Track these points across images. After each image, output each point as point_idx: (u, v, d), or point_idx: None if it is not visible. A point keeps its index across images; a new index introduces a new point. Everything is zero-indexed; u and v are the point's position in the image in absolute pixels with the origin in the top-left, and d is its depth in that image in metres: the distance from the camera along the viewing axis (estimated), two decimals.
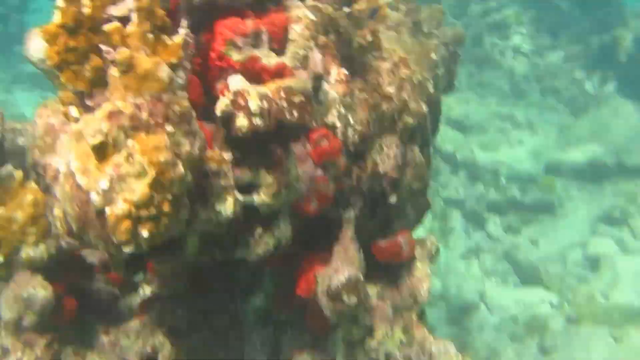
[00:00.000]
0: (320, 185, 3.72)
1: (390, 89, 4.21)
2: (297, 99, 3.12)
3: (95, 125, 2.74)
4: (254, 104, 3.05)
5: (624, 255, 11.57)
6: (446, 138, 13.86)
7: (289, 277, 4.15)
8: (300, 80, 3.18)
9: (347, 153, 3.95)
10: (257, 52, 3.53)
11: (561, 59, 17.82)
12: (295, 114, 3.14)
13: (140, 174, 2.80)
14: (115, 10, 3.14)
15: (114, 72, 2.92)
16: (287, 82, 3.15)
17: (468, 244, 12.33)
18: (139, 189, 2.78)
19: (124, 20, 3.14)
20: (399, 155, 4.15)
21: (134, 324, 4.50)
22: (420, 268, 4.44)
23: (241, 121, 3.09)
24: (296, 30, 3.67)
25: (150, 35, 2.97)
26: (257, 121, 3.09)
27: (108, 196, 2.75)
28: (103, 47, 3.06)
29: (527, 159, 14.13)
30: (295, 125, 3.16)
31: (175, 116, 2.90)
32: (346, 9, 4.31)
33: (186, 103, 2.93)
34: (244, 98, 3.06)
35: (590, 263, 11.40)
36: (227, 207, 3.31)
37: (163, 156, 2.83)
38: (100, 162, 2.79)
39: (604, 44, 16.62)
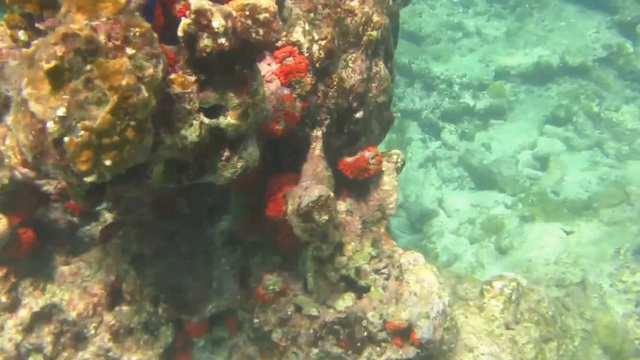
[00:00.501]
0: (287, 105, 3.51)
1: (353, 3, 3.94)
2: (262, 16, 2.87)
3: (48, 49, 2.46)
4: (217, 23, 2.78)
5: (570, 152, 11.62)
6: (401, 50, 13.55)
7: (257, 198, 3.98)
8: None
9: (313, 70, 3.71)
10: None
11: None
12: (261, 32, 2.89)
13: (101, 100, 2.56)
14: None
15: None
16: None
17: (426, 153, 12.23)
18: (100, 115, 2.55)
19: None
20: (364, 69, 3.93)
21: (96, 252, 4.31)
22: (388, 181, 4.30)
23: (205, 41, 2.84)
24: None
25: None
26: (222, 40, 2.84)
27: (66, 124, 2.52)
28: None
29: (477, 67, 13.94)
30: (262, 43, 2.90)
31: (136, 38, 2.64)
32: None
33: (146, 24, 2.66)
34: (207, 17, 2.79)
35: (540, 163, 11.42)
36: (193, 131, 3.10)
37: (125, 80, 2.59)
38: (55, 89, 2.52)
39: None
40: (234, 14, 2.88)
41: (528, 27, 14.95)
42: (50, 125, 2.50)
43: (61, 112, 2.50)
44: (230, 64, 3.03)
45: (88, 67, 2.53)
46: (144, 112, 2.67)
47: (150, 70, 2.68)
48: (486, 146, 12.03)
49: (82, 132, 2.52)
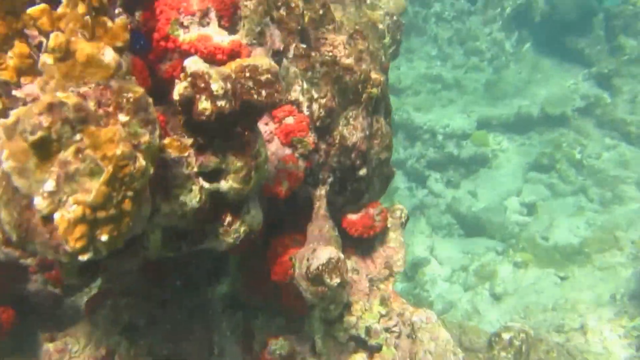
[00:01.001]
0: (290, 165, 3.21)
1: (349, 61, 3.68)
2: (263, 77, 2.59)
3: (32, 119, 2.15)
4: (216, 85, 2.50)
5: (555, 198, 11.42)
6: None
7: (258, 260, 3.63)
8: (263, 57, 2.62)
9: (314, 128, 3.42)
10: (206, 31, 2.98)
11: (480, 23, 17.51)
12: (264, 93, 2.60)
13: (94, 171, 2.23)
14: None
15: (47, 59, 2.32)
16: (250, 60, 2.60)
17: (413, 201, 11.97)
18: (94, 187, 2.22)
19: (52, 1, 2.55)
20: (365, 126, 3.65)
21: (83, 325, 3.88)
22: (394, 237, 3.98)
23: (203, 104, 2.54)
24: (249, 6, 3.10)
25: (87, 18, 2.37)
26: (221, 103, 2.55)
27: (56, 199, 2.18)
28: (28, 32, 2.47)
29: (459, 117, 13.82)
30: (264, 105, 2.61)
31: (129, 104, 2.33)
32: None
33: (139, 88, 2.36)
34: (204, 80, 2.50)
35: (527, 209, 11.20)
36: (192, 197, 2.79)
37: (120, 149, 2.27)
38: (42, 161, 2.20)
39: (519, 6, 16.43)
40: (233, 75, 2.59)
41: (506, 79, 14.91)
42: (39, 201, 2.17)
43: (50, 186, 2.17)
44: (231, 126, 2.73)
45: (78, 136, 2.22)
46: (141, 181, 2.35)
47: (147, 137, 2.38)
48: (472, 193, 11.82)
49: (74, 207, 2.18)
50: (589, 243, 9.67)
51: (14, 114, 2.28)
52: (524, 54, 15.80)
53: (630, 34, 14.79)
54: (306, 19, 3.74)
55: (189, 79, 2.54)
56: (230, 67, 2.65)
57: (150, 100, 2.42)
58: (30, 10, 2.37)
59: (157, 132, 2.45)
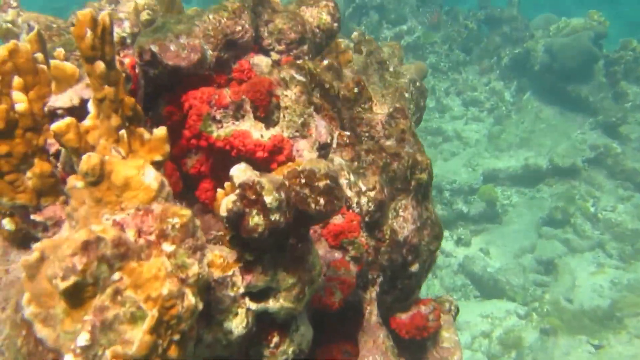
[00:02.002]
0: (341, 272, 2.84)
1: (391, 142, 3.36)
2: (321, 183, 2.24)
3: (64, 262, 1.78)
4: (270, 198, 2.15)
5: (572, 255, 11.06)
6: None
7: None
8: (320, 161, 2.28)
9: (363, 224, 3.07)
10: (242, 125, 2.66)
11: (477, 73, 17.44)
12: (322, 201, 2.26)
13: (136, 317, 1.86)
14: (60, 101, 2.21)
15: (76, 182, 1.97)
16: (305, 164, 2.26)
17: None
18: (137, 337, 1.84)
19: (74, 110, 2.22)
20: (416, 217, 3.31)
21: None
22: (447, 337, 3.60)
23: (255, 220, 2.19)
24: (290, 96, 2.79)
25: (123, 132, 2.04)
26: (275, 217, 2.20)
27: (90, 354, 1.80)
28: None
29: (464, 171, 13.54)
30: (323, 214, 2.26)
31: (175, 231, 1.97)
32: (325, 62, 3.47)
33: (186, 211, 2.01)
34: (256, 191, 2.15)
35: (544, 267, 10.81)
36: (239, 322, 2.42)
37: (166, 287, 1.90)
38: (73, 308, 1.83)
39: (517, 56, 16.39)
40: (287, 183, 2.25)
41: (509, 129, 14.70)
42: (70, 359, 1.79)
43: (84, 339, 1.79)
44: (283, 238, 2.37)
45: (116, 275, 1.86)
46: (190, 322, 1.98)
47: (195, 268, 2.01)
48: (484, 251, 11.44)
49: None
50: (620, 306, 9.27)
51: (36, 249, 1.92)
52: (524, 103, 15.67)
53: (631, 80, 14.76)
54: (341, 98, 3.44)
55: (237, 191, 2.19)
56: (282, 173, 2.31)
57: (198, 222, 2.07)
58: (54, 127, 2.03)
59: (206, 260, 2.10)
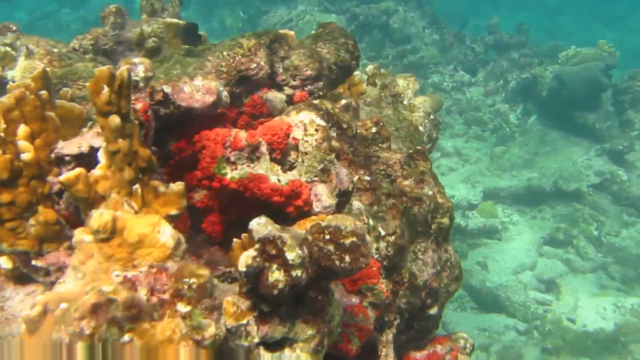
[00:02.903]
0: (359, 319, 2.66)
1: (408, 182, 3.18)
2: (347, 241, 2.06)
3: (72, 327, 1.61)
4: (292, 255, 1.98)
5: (574, 275, 10.79)
6: None
7: None
8: (346, 218, 2.10)
9: (382, 268, 2.89)
10: (257, 168, 2.49)
11: (481, 94, 17.21)
12: (347, 259, 2.08)
13: None
14: (68, 148, 2.06)
15: (85, 237, 1.80)
16: (331, 220, 2.08)
17: None
18: None
19: (82, 157, 2.06)
20: (436, 260, 3.13)
21: None
22: None
23: (275, 276, 2.02)
24: (310, 142, 2.62)
25: (137, 187, 1.87)
26: (297, 273, 2.03)
27: None
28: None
29: (463, 187, 13.26)
30: (347, 271, 2.08)
31: (192, 291, 1.80)
32: (343, 101, 3.31)
33: (204, 271, 1.84)
34: (277, 247, 1.98)
35: (545, 285, 10.53)
36: None
37: (180, 352, 1.74)
38: None
39: (524, 81, 16.16)
40: (310, 238, 2.07)
41: (512, 150, 14.46)
42: None
43: None
44: (303, 291, 2.20)
45: (127, 337, 1.69)
46: None
47: (212, 330, 1.85)
48: (482, 265, 11.14)
49: None
50: (624, 331, 9.02)
51: (39, 303, 1.75)
52: (530, 126, 15.42)
53: (639, 109, 14.56)
54: (358, 138, 3.27)
55: (257, 245, 2.01)
56: (305, 227, 2.13)
57: (216, 281, 1.90)
58: (63, 179, 1.88)
59: (223, 319, 1.93)
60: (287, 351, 2.33)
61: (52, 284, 2.16)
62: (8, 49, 3.40)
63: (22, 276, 2.20)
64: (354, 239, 2.08)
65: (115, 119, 1.89)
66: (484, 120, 16.14)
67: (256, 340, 2.24)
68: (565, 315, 9.67)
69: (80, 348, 1.59)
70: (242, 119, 3.29)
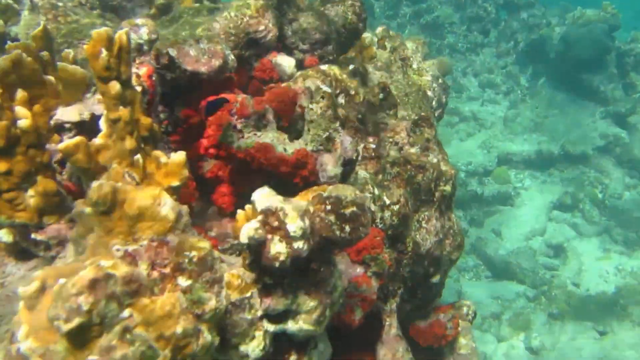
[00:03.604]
0: (362, 288, 2.62)
1: (414, 150, 3.11)
2: (348, 211, 2.01)
3: (69, 303, 1.57)
4: (294, 226, 1.92)
5: (580, 239, 10.77)
6: None
7: None
8: (347, 187, 2.04)
9: (386, 237, 2.84)
10: (264, 137, 2.42)
11: (493, 55, 16.95)
12: (347, 229, 2.03)
13: (146, 357, 1.66)
14: (68, 114, 1.99)
15: (85, 209, 1.75)
16: (332, 190, 2.02)
17: None
18: None
19: (83, 125, 2.00)
20: (439, 228, 3.08)
21: None
22: (465, 344, 3.39)
23: (277, 248, 1.97)
24: (315, 110, 2.54)
25: (138, 157, 1.81)
26: (299, 245, 1.98)
27: None
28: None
29: (479, 153, 13.17)
30: (347, 241, 2.03)
31: (192, 264, 1.76)
32: (351, 66, 3.22)
33: (205, 243, 1.80)
34: (279, 218, 1.93)
35: (553, 251, 10.52)
36: (256, 346, 2.21)
37: (180, 325, 1.71)
38: (77, 348, 1.62)
39: (533, 42, 15.89)
40: (311, 209, 2.02)
41: (524, 113, 14.30)
42: None
43: None
44: (305, 264, 2.15)
45: (126, 312, 1.65)
46: (205, 358, 1.78)
47: (212, 303, 1.81)
48: (496, 232, 11.15)
49: None
50: (624, 293, 9.02)
51: (37, 278, 1.70)
52: (539, 88, 15.20)
53: None
54: (366, 104, 3.18)
55: (259, 217, 1.96)
56: (307, 197, 2.08)
57: (217, 254, 1.85)
58: (62, 147, 1.81)
59: (224, 292, 1.89)
60: (290, 323, 2.30)
61: (53, 258, 2.12)
62: (10, 1, 3.25)
63: (23, 251, 2.15)
64: (354, 208, 2.02)
65: (115, 86, 1.82)
66: (496, 82, 15.95)
67: (259, 313, 2.21)
68: (570, 280, 9.68)
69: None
70: (252, 84, 3.21)
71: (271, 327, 2.26)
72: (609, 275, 9.68)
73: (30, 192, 1.92)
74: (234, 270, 2.23)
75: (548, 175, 12.46)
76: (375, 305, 2.94)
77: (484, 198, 11.84)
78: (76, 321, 1.56)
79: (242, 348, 2.18)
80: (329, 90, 2.61)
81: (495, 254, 10.38)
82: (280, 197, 1.99)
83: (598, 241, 10.63)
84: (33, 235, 1.99)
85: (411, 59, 4.68)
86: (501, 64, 16.50)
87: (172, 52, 2.62)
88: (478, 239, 10.85)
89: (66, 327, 1.56)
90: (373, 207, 2.78)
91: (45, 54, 2.13)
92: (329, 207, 2.02)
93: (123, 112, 1.83)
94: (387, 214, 2.83)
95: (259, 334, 2.21)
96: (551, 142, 12.92)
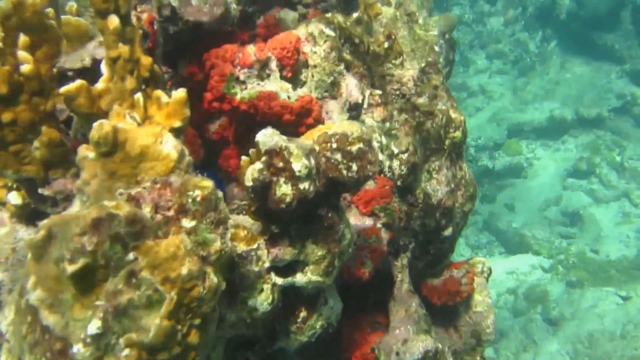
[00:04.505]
0: (372, 240, 2.61)
1: (423, 100, 3.08)
2: (354, 147, 2.00)
3: (72, 243, 1.56)
4: (298, 165, 1.91)
5: (598, 205, 10.71)
6: None
7: (327, 350, 2.97)
8: (352, 123, 2.03)
9: (395, 189, 2.82)
10: (268, 86, 2.40)
11: (501, 24, 16.81)
12: (354, 167, 2.02)
13: (153, 301, 1.66)
14: (70, 61, 1.97)
15: (88, 153, 1.74)
16: (337, 128, 2.00)
17: None
18: (153, 323, 1.64)
19: (86, 72, 1.98)
20: (450, 178, 3.05)
21: None
22: (480, 300, 3.38)
23: (282, 189, 1.96)
24: (318, 53, 2.51)
25: (139, 96, 1.79)
26: (304, 186, 1.96)
27: (102, 343, 1.60)
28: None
29: (489, 126, 13.10)
30: (354, 181, 2.02)
31: (196, 205, 1.74)
32: (355, 15, 3.18)
33: (207, 182, 1.78)
34: (284, 158, 1.92)
35: (569, 219, 10.47)
36: (264, 299, 2.21)
37: (185, 267, 1.69)
38: (83, 294, 1.62)
39: (543, 5, 15.71)
40: (317, 148, 2.00)
41: (534, 81, 14.18)
42: (79, 350, 1.59)
43: (95, 327, 1.59)
44: (312, 208, 2.14)
45: (131, 256, 1.64)
46: (212, 303, 1.78)
47: (218, 244, 1.79)
48: (509, 207, 11.10)
49: (127, 352, 1.61)
50: None
51: (43, 227, 1.69)
52: (549, 53, 15.07)
53: None
54: (371, 54, 3.16)
55: (263, 158, 1.95)
56: (312, 137, 2.06)
57: (220, 194, 1.84)
58: (64, 90, 1.79)
59: (229, 234, 1.87)
60: (298, 275, 2.30)
61: None
62: None
63: (34, 215, 2.15)
64: (361, 144, 2.00)
65: (114, 20, 1.79)
66: (504, 52, 15.82)
67: (267, 265, 2.21)
68: (588, 247, 9.64)
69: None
70: (256, 42, 3.20)
71: (279, 281, 2.26)
72: (630, 240, 9.64)
73: (36, 144, 1.91)
74: (240, 222, 2.23)
75: (561, 142, 12.38)
76: (386, 260, 2.93)
77: (495, 172, 11.81)
78: (81, 261, 1.56)
79: (250, 302, 2.18)
80: (332, 33, 2.58)
81: (508, 227, 10.36)
82: (284, 137, 1.97)
83: (617, 206, 10.57)
84: (40, 191, 1.99)
85: (417, 14, 4.63)
86: (509, 32, 16.36)
87: (174, 3, 2.60)
88: (491, 215, 10.82)
89: (71, 268, 1.55)
90: (381, 156, 2.76)
91: (50, 9, 2.11)
92: (334, 145, 2.00)
93: (123, 49, 1.80)
94: (395, 163, 2.80)
95: (267, 286, 2.21)
96: (563, 108, 12.82)
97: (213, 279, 1.75)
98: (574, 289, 8.82)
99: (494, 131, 12.83)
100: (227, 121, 2.69)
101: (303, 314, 2.42)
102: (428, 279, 3.30)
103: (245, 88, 2.47)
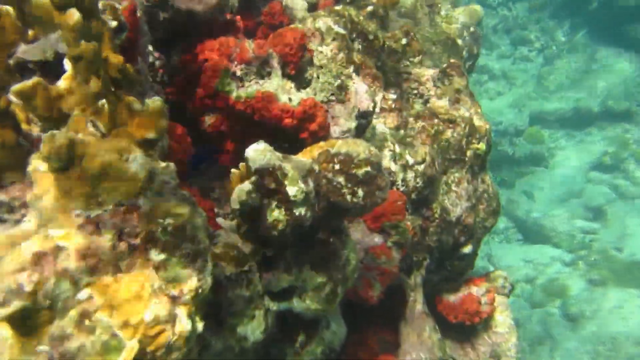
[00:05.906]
0: (381, 260, 2.30)
1: (442, 102, 2.75)
2: (360, 171, 1.69)
3: (7, 282, 1.29)
4: (294, 189, 1.61)
5: (622, 201, 10.25)
6: None
7: None
8: (359, 143, 1.70)
9: (409, 201, 2.50)
10: (267, 85, 2.10)
11: (527, 10, 16.23)
12: (360, 193, 1.71)
13: (109, 348, 1.39)
14: (31, 52, 1.67)
15: (39, 165, 1.45)
16: (341, 146, 1.69)
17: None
18: None
19: (49, 66, 1.68)
20: (471, 192, 2.73)
21: None
22: (501, 321, 3.07)
23: (275, 215, 1.67)
24: (325, 53, 2.19)
25: (104, 102, 1.49)
26: (300, 212, 1.66)
27: None
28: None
29: (510, 112, 12.63)
30: (360, 207, 1.71)
31: (167, 234, 1.45)
32: (369, 7, 2.85)
33: (183, 208, 1.49)
34: (276, 179, 1.61)
35: (592, 214, 10.03)
36: (256, 327, 1.94)
37: (150, 311, 1.41)
38: (23, 336, 1.35)
39: None
40: (317, 168, 1.69)
41: (560, 69, 13.64)
42: None
43: None
44: (310, 233, 1.84)
45: (84, 293, 1.36)
46: (184, 350, 1.49)
47: (193, 282, 1.50)
48: (528, 194, 10.69)
49: None
50: None
51: None
52: (577, 42, 14.49)
53: None
54: (386, 50, 2.83)
55: (253, 178, 1.65)
56: (312, 155, 1.75)
57: (200, 221, 1.54)
58: (16, 89, 1.49)
59: (209, 268, 1.58)
60: (295, 301, 2.01)
61: (18, 222, 1.84)
62: None
63: None
64: (368, 168, 1.69)
65: (73, 14, 1.48)
66: (530, 39, 15.26)
67: (259, 289, 1.92)
68: (612, 245, 9.21)
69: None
70: (260, 30, 2.88)
71: (274, 306, 1.98)
72: None
73: None
74: (230, 240, 1.93)
75: (586, 134, 11.89)
76: (398, 278, 2.63)
77: (515, 159, 11.38)
78: (15, 305, 1.28)
79: (240, 329, 1.91)
80: (342, 31, 2.26)
81: (527, 216, 9.97)
82: (278, 154, 1.67)
83: None
84: None
85: (439, 5, 4.29)
86: (535, 18, 15.79)
87: None
88: (509, 201, 10.43)
89: (4, 312, 1.28)
90: (394, 167, 2.44)
91: None
92: (337, 167, 1.69)
93: (85, 47, 1.49)
94: (410, 175, 2.49)
95: (259, 313, 1.94)
96: (590, 99, 12.29)
97: (185, 325, 1.46)
98: (596, 287, 8.43)
99: (516, 117, 12.38)
100: (224, 116, 2.39)
101: (302, 338, 2.16)
102: (444, 293, 2.99)
103: (243, 85, 2.16)
